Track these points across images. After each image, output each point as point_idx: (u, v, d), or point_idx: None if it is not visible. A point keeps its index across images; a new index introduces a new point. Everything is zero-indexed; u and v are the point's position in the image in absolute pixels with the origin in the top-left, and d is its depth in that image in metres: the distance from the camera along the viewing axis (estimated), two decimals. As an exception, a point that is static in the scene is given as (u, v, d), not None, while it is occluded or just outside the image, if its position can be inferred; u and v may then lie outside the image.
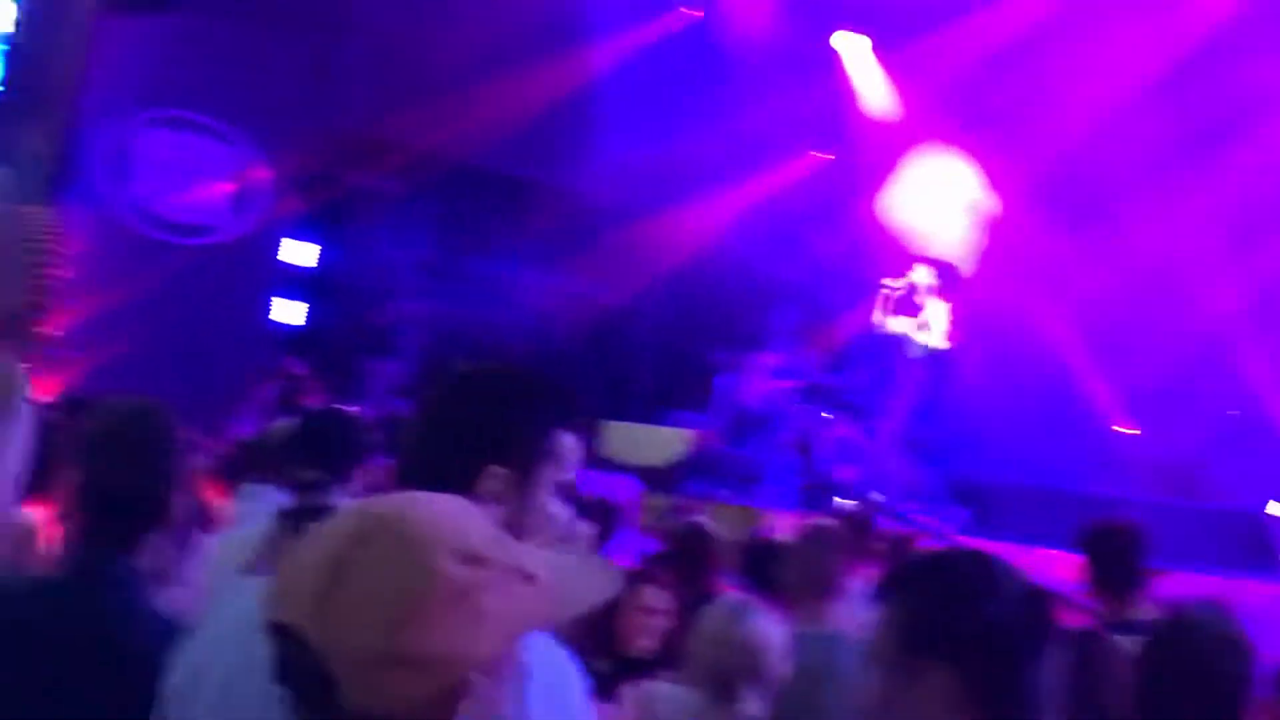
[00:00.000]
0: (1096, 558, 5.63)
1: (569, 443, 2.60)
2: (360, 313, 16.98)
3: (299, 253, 17.17)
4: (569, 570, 1.81)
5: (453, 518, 1.70)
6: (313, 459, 4.82)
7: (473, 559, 1.64)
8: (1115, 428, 17.23)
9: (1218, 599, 3.42)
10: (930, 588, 2.50)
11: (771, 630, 4.36)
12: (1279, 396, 16.22)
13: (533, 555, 1.76)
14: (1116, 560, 5.48)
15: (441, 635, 1.60)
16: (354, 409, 14.63)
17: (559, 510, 2.56)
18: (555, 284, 18.28)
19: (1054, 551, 11.38)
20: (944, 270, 14.23)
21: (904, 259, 14.62)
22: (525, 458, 2.53)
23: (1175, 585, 10.59)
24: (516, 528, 2.39)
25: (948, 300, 13.98)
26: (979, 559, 2.54)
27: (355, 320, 16.93)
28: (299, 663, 1.61)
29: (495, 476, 2.47)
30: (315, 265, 17.26)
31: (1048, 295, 17.09)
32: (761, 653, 4.31)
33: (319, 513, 3.58)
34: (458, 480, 2.36)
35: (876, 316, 14.30)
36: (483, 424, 2.53)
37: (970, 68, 16.86)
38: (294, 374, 14.50)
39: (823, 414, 15.63)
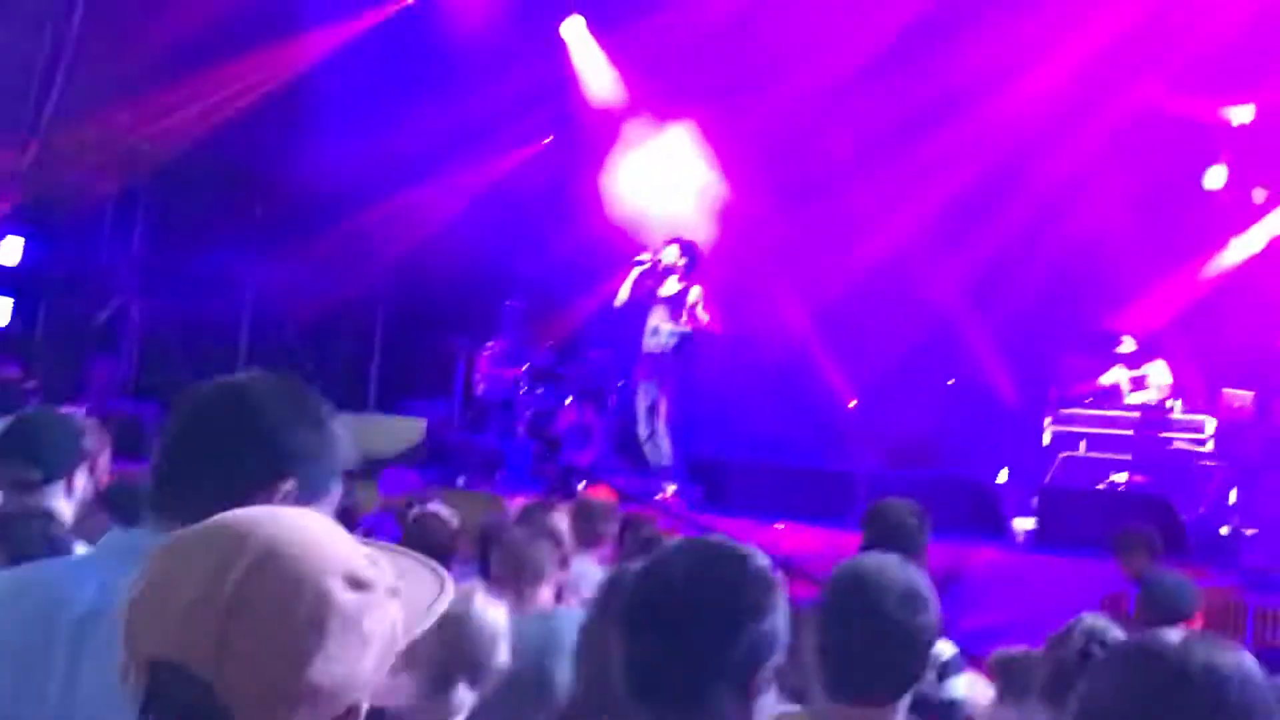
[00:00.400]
0: (874, 534, 5.77)
1: (339, 483, 2.57)
2: (76, 310, 16.48)
3: (4, 250, 16.54)
4: (407, 577, 1.79)
5: (333, 540, 1.67)
6: (27, 460, 4.65)
7: (358, 582, 1.63)
8: (850, 404, 17.67)
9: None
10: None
11: (488, 618, 4.33)
12: (1001, 369, 16.84)
13: (389, 567, 1.73)
14: (893, 535, 5.61)
15: (340, 664, 1.59)
16: (73, 409, 14.25)
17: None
18: (280, 276, 17.98)
19: (788, 524, 11.73)
20: (692, 248, 14.35)
21: (640, 242, 14.68)
22: (312, 482, 2.47)
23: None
24: None
25: (696, 281, 14.10)
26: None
27: (71, 318, 16.42)
28: (190, 701, 1.56)
29: (287, 494, 2.41)
30: (19, 262, 16.61)
31: (778, 274, 17.43)
32: (477, 641, 4.27)
33: (34, 515, 3.47)
34: (244, 494, 2.27)
35: (622, 293, 14.34)
36: (282, 437, 2.46)
37: (693, 48, 17.10)
38: (5, 374, 14.08)
39: (565, 399, 15.70)
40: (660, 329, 14.18)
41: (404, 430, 14.52)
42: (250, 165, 17.91)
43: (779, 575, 2.54)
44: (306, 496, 2.42)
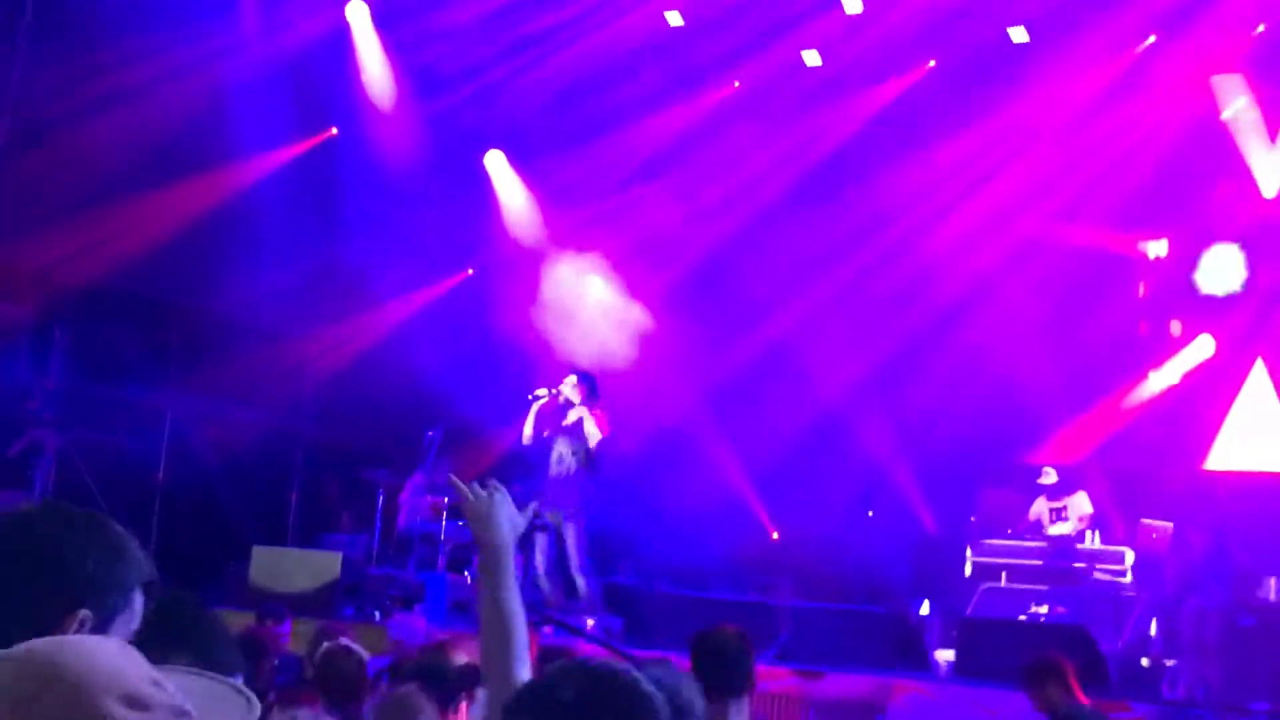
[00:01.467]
0: (702, 662, 5.65)
1: (139, 599, 2.53)
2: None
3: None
4: (211, 699, 1.93)
5: (113, 662, 1.77)
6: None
7: (135, 702, 1.73)
8: (773, 536, 17.66)
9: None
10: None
11: None
12: (922, 501, 16.91)
13: (184, 687, 1.84)
14: (721, 664, 5.51)
15: None
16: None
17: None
18: (199, 408, 17.81)
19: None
20: (590, 378, 14.37)
21: (553, 370, 14.72)
22: (108, 607, 2.44)
23: (832, 685, 10.92)
24: None
25: (597, 408, 14.11)
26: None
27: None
28: None
29: (82, 622, 2.39)
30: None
31: (700, 407, 17.48)
32: None
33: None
34: (39, 624, 2.27)
35: (526, 430, 14.34)
36: (73, 567, 2.43)
37: (609, 181, 17.28)
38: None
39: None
40: (564, 457, 14.17)
41: (321, 565, 14.33)
42: (169, 295, 17.80)
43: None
44: (103, 622, 2.42)
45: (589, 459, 14.08)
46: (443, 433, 16.06)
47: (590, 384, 14.30)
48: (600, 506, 14.56)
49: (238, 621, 9.96)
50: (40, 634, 2.15)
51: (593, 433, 13.99)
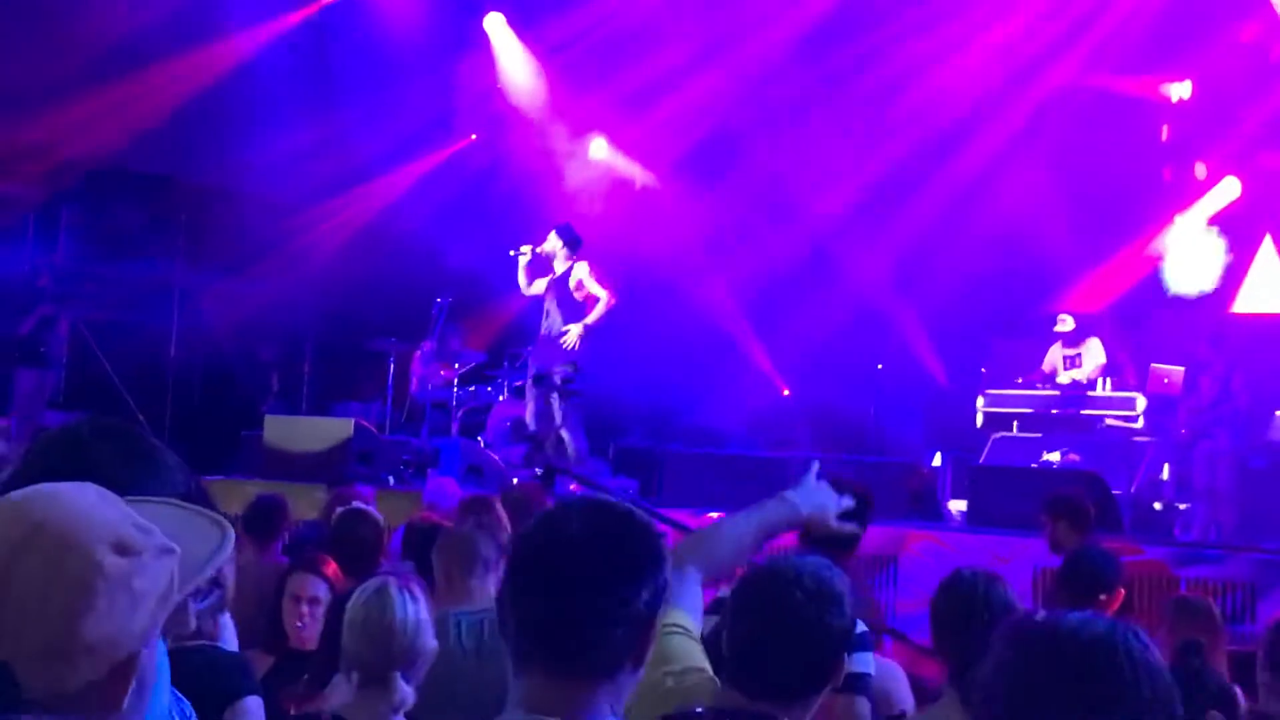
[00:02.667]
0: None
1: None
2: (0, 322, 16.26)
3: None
4: (186, 530, 1.91)
5: (101, 510, 1.79)
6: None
7: (125, 547, 1.75)
8: (783, 392, 17.69)
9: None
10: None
11: (411, 610, 4.33)
12: (932, 352, 16.90)
13: (160, 526, 1.84)
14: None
15: (110, 622, 1.71)
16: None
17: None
18: (208, 282, 17.85)
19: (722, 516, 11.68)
20: (569, 230, 14.32)
21: (543, 230, 14.64)
22: None
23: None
24: None
25: (580, 258, 14.08)
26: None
27: (-6, 330, 16.20)
28: None
29: None
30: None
31: (706, 265, 17.43)
32: (402, 634, 4.28)
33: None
34: None
35: (521, 282, 14.36)
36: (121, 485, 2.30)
37: (611, 38, 17.10)
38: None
39: (498, 396, 15.66)
40: (552, 313, 14.17)
41: (332, 429, 14.41)
42: (175, 171, 17.79)
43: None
44: None
45: (577, 314, 14.04)
46: (451, 300, 16.06)
47: (571, 236, 14.26)
48: (607, 368, 14.58)
49: (252, 490, 10.06)
50: None
51: (594, 290, 13.96)
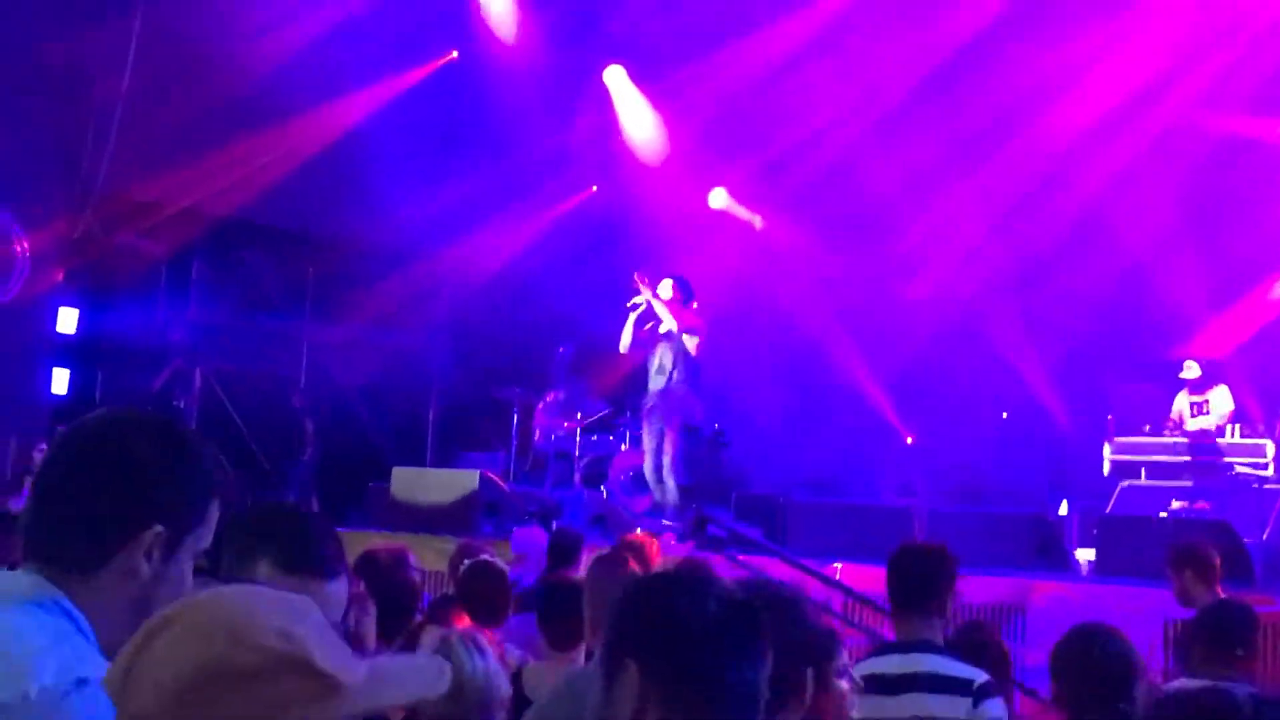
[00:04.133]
0: (891, 576, 5.63)
1: (214, 511, 2.47)
2: (133, 377, 16.59)
3: (63, 320, 16.70)
4: (393, 672, 1.94)
5: (248, 606, 1.80)
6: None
7: (242, 644, 1.74)
8: (907, 440, 17.60)
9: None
10: (635, 592, 2.62)
11: (479, 662, 4.40)
12: (1058, 400, 16.73)
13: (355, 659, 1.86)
14: (910, 581, 5.49)
15: (215, 707, 1.71)
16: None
17: (189, 578, 2.43)
18: (335, 334, 18.11)
19: (846, 564, 11.63)
20: (684, 281, 14.28)
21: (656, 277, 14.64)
22: (183, 522, 2.39)
23: (971, 588, 10.89)
24: (158, 594, 2.35)
25: (689, 310, 14.04)
26: (689, 568, 2.64)
27: (128, 385, 16.52)
28: None
29: (156, 537, 2.34)
30: (75, 331, 16.78)
31: (832, 314, 17.40)
32: (473, 687, 4.34)
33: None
34: (111, 537, 2.30)
35: (624, 338, 14.33)
36: (150, 480, 2.37)
37: (733, 92, 17.13)
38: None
39: (620, 446, 15.73)
40: (664, 366, 14.12)
41: (460, 482, 14.54)
42: (301, 225, 18.07)
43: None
44: (177, 536, 2.38)
45: (689, 366, 14.00)
46: (573, 350, 16.17)
47: (685, 287, 14.21)
48: (728, 415, 14.57)
49: (380, 541, 10.17)
50: (110, 549, 2.27)
51: (689, 335, 13.91)
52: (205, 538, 2.45)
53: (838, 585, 10.39)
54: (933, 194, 16.88)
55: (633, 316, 14.27)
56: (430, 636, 6.07)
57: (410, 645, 6.13)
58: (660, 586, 2.59)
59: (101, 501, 2.35)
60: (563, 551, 8.69)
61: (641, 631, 2.50)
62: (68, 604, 2.30)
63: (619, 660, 2.48)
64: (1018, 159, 16.51)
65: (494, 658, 4.53)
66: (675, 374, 14.00)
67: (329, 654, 1.81)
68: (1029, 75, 16.20)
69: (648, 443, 14.28)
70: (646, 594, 2.58)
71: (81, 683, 2.16)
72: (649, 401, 14.20)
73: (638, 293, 14.23)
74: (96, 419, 2.46)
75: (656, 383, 14.15)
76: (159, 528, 2.34)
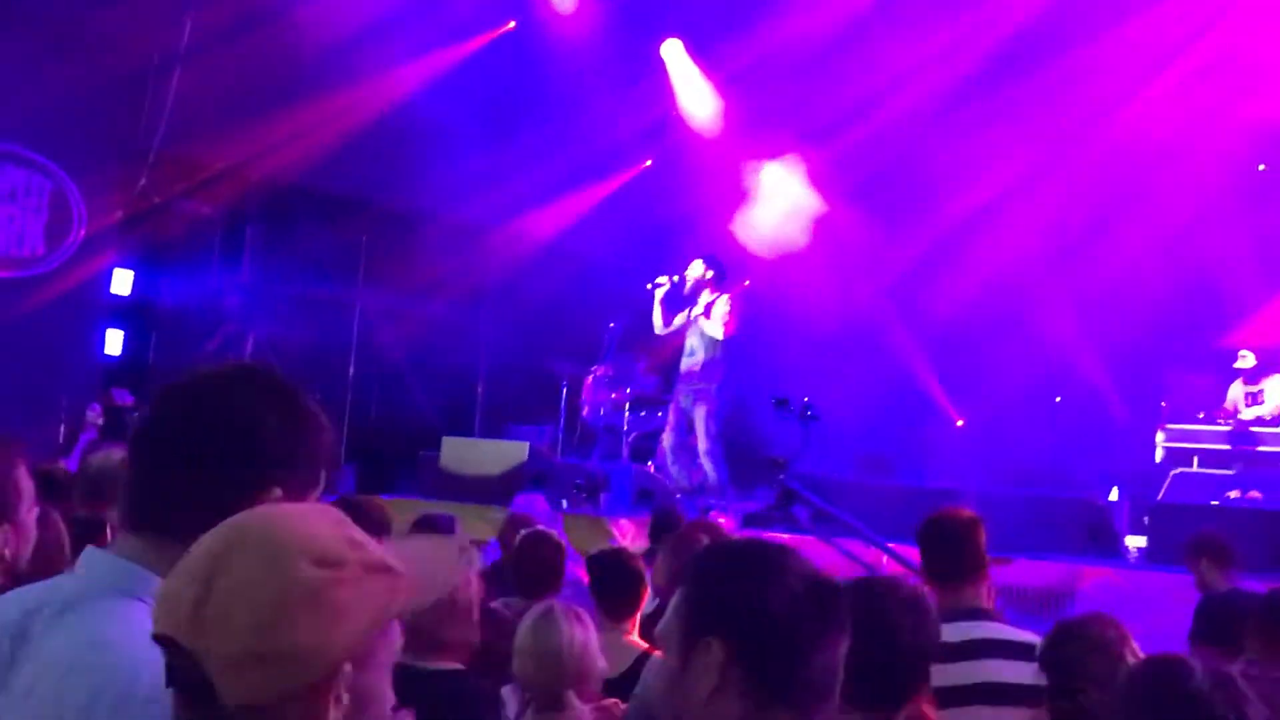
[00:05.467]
0: (929, 548, 5.60)
1: (323, 478, 2.36)
2: (187, 339, 16.67)
3: (118, 281, 16.78)
4: (425, 556, 1.95)
5: (306, 523, 1.81)
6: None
7: (327, 560, 1.76)
8: (958, 423, 17.53)
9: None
10: (714, 568, 2.57)
11: (578, 632, 4.41)
12: (1111, 386, 16.62)
13: (389, 547, 1.87)
14: (951, 549, 5.45)
15: (303, 632, 1.72)
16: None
17: None
18: (387, 302, 18.13)
19: (894, 546, 11.59)
20: (718, 262, 14.23)
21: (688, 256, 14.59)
22: (301, 485, 2.27)
23: (1020, 572, 10.85)
24: None
25: (725, 291, 13.99)
26: (767, 546, 2.59)
27: (181, 347, 16.61)
28: (182, 669, 1.73)
29: (274, 499, 2.19)
30: (130, 293, 16.86)
31: (884, 296, 17.33)
32: (570, 656, 4.35)
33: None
34: (229, 500, 2.01)
35: (656, 320, 14.32)
36: (270, 442, 2.24)
37: (791, 69, 17.04)
38: (118, 405, 14.26)
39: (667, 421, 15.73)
40: (695, 349, 14.09)
41: (509, 453, 14.58)
42: (356, 192, 18.09)
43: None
44: (291, 499, 2.21)
45: (717, 348, 13.97)
46: (623, 324, 16.15)
47: (719, 268, 14.16)
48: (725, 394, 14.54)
49: (429, 510, 10.20)
50: (228, 513, 1.93)
51: (717, 319, 13.85)
52: (319, 494, 2.36)
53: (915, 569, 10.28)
54: (989, 175, 16.77)
55: (658, 295, 14.28)
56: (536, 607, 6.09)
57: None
58: (746, 564, 2.53)
59: (218, 464, 2.21)
60: (666, 528, 8.65)
61: (726, 609, 2.45)
62: (147, 577, 2.15)
63: (699, 638, 2.43)
64: (1074, 142, 16.40)
65: (594, 633, 4.54)
66: (703, 357, 13.98)
67: (382, 549, 1.84)
68: (1083, 57, 16.09)
69: (671, 417, 14.30)
70: (731, 571, 2.53)
71: None
72: (680, 382, 14.22)
73: (669, 274, 14.24)
74: (205, 375, 2.33)
75: (685, 364, 14.17)
76: (277, 491, 2.22)
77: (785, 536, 11.69)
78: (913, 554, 10.92)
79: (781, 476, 13.01)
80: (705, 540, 6.92)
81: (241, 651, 1.70)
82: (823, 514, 11.42)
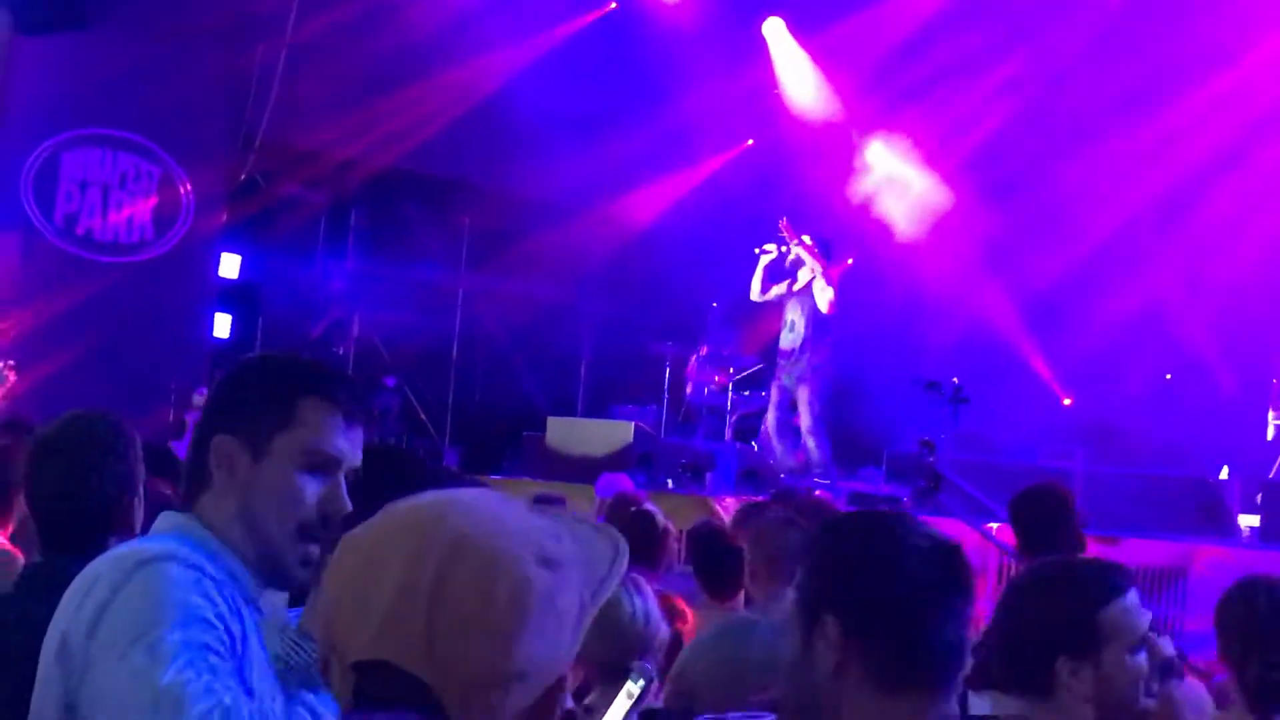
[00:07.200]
0: (1022, 523, 5.56)
1: (315, 408, 2.55)
2: (292, 323, 16.86)
3: (225, 265, 16.99)
4: (581, 545, 1.79)
5: (520, 520, 1.71)
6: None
7: (549, 561, 1.67)
8: (1065, 401, 17.35)
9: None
10: (827, 542, 2.52)
11: (639, 603, 4.40)
12: (1222, 362, 16.37)
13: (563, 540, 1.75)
14: (1044, 524, 5.40)
15: (541, 642, 1.64)
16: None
17: (307, 484, 2.53)
18: (490, 285, 18.24)
19: (1001, 525, 11.49)
20: (824, 240, 14.13)
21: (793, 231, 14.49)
22: (250, 424, 2.53)
23: (1131, 552, 10.73)
24: (255, 499, 2.50)
25: (827, 269, 13.88)
26: (882, 515, 2.57)
27: (287, 330, 16.80)
28: (403, 695, 1.62)
29: (222, 443, 2.52)
30: (237, 277, 17.06)
31: (988, 272, 17.16)
32: (632, 626, 4.34)
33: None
34: (202, 458, 2.54)
35: (755, 285, 14.23)
36: (214, 395, 2.64)
37: (893, 45, 16.92)
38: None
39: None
40: (796, 324, 13.98)
41: (615, 433, 14.62)
42: (458, 176, 18.19)
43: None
44: (254, 440, 2.54)
45: (821, 324, 13.86)
46: (727, 304, 16.14)
47: (823, 246, 14.06)
48: (880, 372, 14.44)
49: (532, 490, 10.27)
50: (207, 469, 2.54)
51: (822, 294, 13.74)
52: (308, 436, 2.52)
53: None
54: (1097, 151, 16.54)
55: (763, 261, 14.21)
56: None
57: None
58: (861, 537, 2.46)
59: (198, 429, 2.60)
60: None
61: (841, 585, 2.39)
62: (198, 528, 2.51)
63: (816, 615, 2.37)
64: (1185, 114, 16.12)
65: (653, 600, 4.54)
66: (806, 333, 13.90)
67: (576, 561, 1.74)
68: (1200, 29, 15.80)
69: (773, 395, 14.24)
70: (846, 545, 2.47)
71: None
72: (780, 359, 14.15)
73: (779, 239, 14.17)
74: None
75: (786, 341, 14.09)
76: (223, 436, 2.53)
77: (948, 521, 11.71)
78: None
79: (930, 459, 12.97)
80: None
81: (478, 674, 1.61)
82: (971, 500, 11.38)
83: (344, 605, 1.67)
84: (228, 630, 2.36)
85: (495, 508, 1.72)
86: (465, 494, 1.76)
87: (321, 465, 2.54)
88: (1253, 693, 4.16)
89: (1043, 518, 5.45)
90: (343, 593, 1.68)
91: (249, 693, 2.33)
